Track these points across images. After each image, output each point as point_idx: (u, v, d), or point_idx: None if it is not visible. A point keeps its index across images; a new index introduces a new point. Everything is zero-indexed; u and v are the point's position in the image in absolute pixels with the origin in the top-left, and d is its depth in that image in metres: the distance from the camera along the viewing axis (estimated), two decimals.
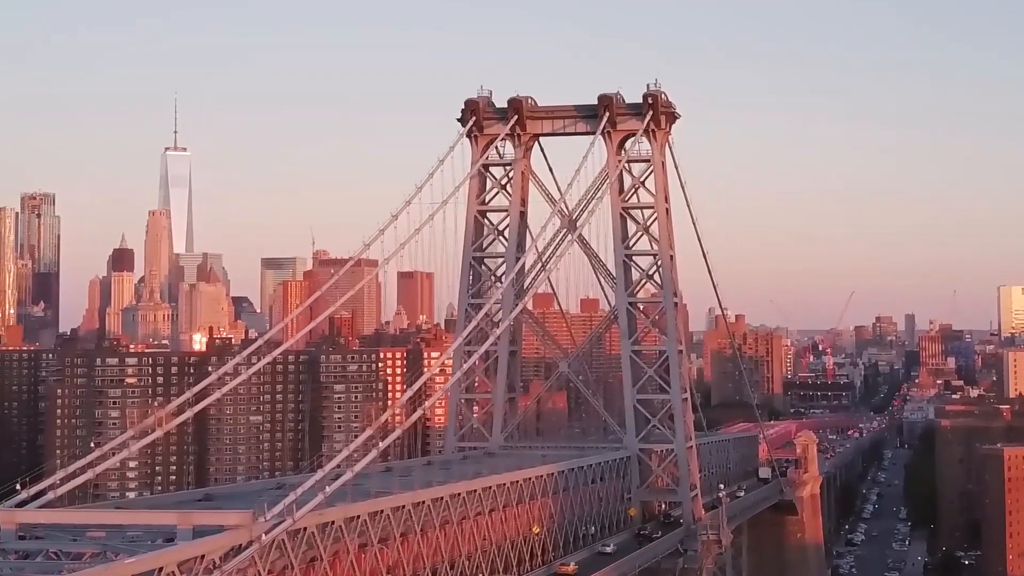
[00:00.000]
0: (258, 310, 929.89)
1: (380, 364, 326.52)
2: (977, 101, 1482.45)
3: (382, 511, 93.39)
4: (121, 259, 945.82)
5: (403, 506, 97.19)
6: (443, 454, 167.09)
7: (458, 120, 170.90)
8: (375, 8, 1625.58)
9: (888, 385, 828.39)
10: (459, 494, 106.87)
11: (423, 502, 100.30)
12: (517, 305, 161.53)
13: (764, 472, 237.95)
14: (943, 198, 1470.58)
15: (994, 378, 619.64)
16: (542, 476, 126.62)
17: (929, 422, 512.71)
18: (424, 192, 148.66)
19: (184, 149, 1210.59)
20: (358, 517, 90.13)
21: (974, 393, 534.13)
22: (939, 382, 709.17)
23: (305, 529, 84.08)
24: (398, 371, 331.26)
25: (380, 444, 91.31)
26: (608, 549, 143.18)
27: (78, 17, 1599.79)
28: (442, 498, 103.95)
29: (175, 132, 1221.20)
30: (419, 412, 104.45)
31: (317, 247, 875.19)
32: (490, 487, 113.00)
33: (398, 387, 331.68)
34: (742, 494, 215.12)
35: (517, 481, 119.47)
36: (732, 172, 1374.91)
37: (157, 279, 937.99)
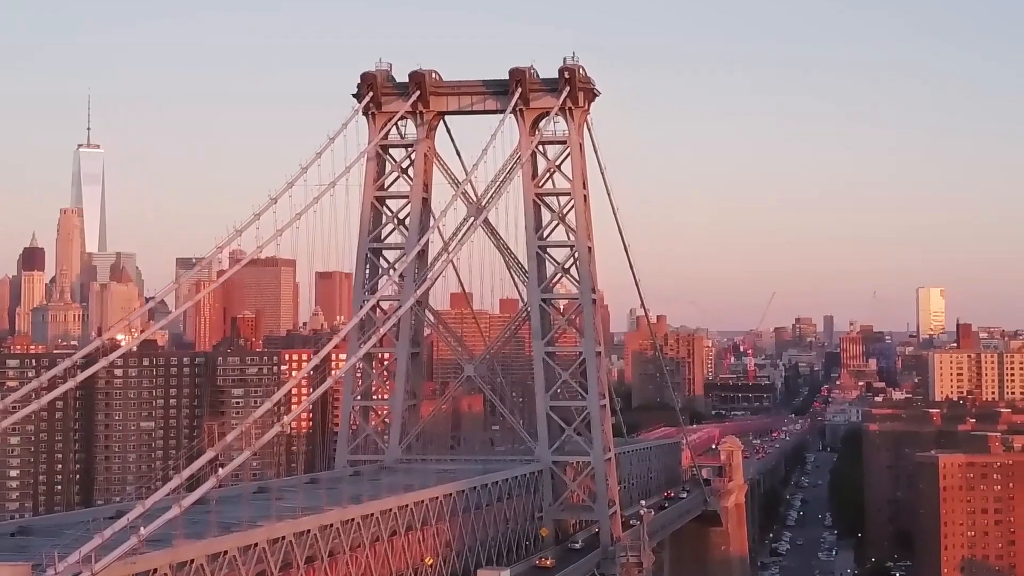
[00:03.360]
0: (172, 310, 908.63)
1: (283, 367, 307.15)
2: (905, 105, 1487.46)
3: (225, 552, 75.72)
4: (32, 258, 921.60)
5: (255, 544, 79.61)
6: (334, 469, 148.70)
7: (353, 95, 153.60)
8: None
9: (808, 387, 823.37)
10: (331, 525, 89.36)
11: (283, 537, 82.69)
12: (415, 301, 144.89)
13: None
14: (863, 200, 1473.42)
15: (916, 380, 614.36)
16: (436, 498, 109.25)
17: (853, 425, 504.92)
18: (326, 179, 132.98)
19: (97, 146, 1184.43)
20: (192, 562, 72.41)
21: (897, 395, 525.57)
22: (861, 384, 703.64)
23: None
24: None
25: (220, 471, 73.51)
26: (576, 545, 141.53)
27: None
28: (308, 531, 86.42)
29: (88, 129, 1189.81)
30: (274, 430, 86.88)
31: (233, 246, 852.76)
32: (371, 514, 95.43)
33: (303, 391, 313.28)
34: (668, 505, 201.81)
35: (406, 505, 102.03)
36: (652, 161, 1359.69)
37: (68, 278, 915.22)
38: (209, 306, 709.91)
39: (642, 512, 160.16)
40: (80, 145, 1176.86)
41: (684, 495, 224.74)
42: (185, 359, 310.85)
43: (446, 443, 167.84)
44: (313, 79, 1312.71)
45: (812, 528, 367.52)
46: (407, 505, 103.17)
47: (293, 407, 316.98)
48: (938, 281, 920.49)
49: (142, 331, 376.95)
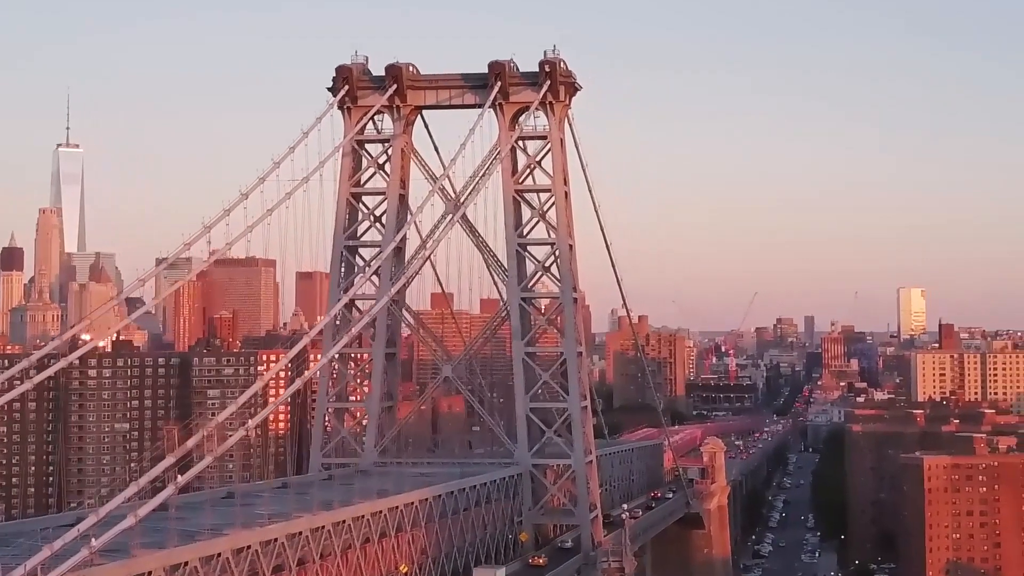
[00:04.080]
0: (152, 311, 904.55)
1: (261, 368, 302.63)
2: (894, 106, 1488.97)
3: (186, 563, 71.73)
4: (10, 258, 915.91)
5: (218, 554, 75.62)
6: (309, 472, 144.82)
7: (328, 90, 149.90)
8: None
9: (790, 387, 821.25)
10: (300, 533, 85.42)
11: (248, 547, 78.75)
12: (394, 300, 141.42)
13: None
14: (844, 201, 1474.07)
15: (898, 380, 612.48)
16: (412, 503, 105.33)
17: (835, 425, 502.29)
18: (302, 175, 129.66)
19: (77, 146, 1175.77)
20: (149, 574, 68.32)
21: (879, 396, 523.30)
22: (842, 384, 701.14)
23: None
24: (281, 375, 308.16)
25: (180, 478, 69.49)
26: (567, 544, 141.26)
27: None
28: (275, 539, 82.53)
29: (67, 128, 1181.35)
30: (239, 435, 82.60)
31: (214, 246, 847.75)
32: (343, 521, 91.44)
33: (282, 392, 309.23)
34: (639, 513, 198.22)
35: (380, 511, 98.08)
36: (633, 160, 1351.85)
37: (47, 279, 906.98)
38: (189, 306, 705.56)
39: (624, 517, 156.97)
40: (59, 145, 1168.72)
41: (671, 495, 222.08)
42: (160, 359, 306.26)
43: (425, 445, 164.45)
44: (294, 75, 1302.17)
45: (795, 530, 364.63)
46: (380, 511, 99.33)
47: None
48: (919, 282, 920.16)
49: (110, 328, 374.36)
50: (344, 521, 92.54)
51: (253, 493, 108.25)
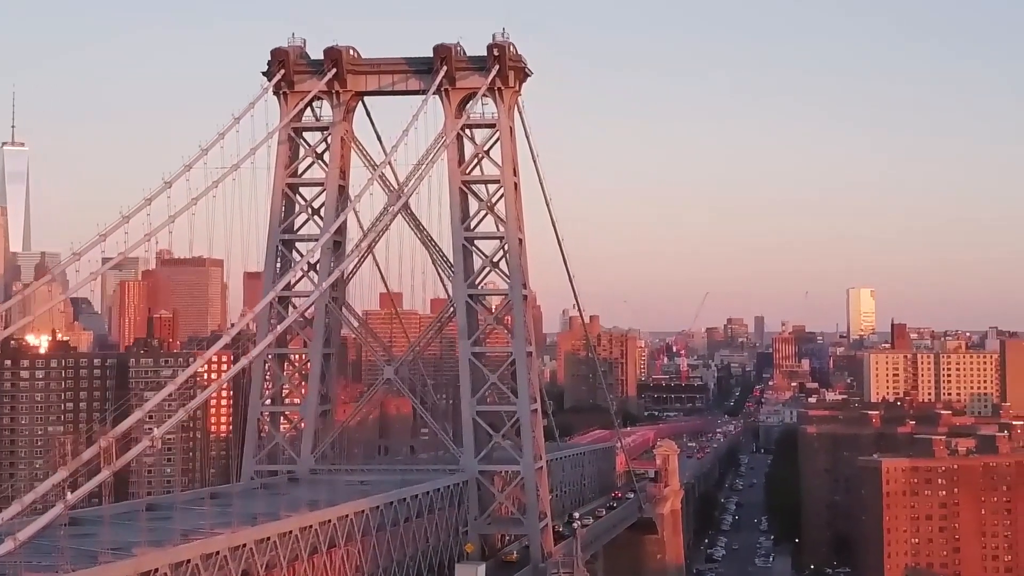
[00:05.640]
0: (98, 311, 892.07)
1: (201, 369, 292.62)
2: (840, 106, 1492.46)
3: None
4: None
5: None
6: (241, 480, 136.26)
7: (264, 74, 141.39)
8: None
9: (741, 387, 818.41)
10: (217, 553, 76.92)
11: (156, 570, 70.21)
12: (333, 298, 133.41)
13: None
14: (795, 202, 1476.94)
15: (849, 380, 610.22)
16: (346, 516, 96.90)
17: (788, 426, 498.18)
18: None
19: (22, 144, 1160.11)
20: None
21: (831, 396, 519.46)
22: (794, 384, 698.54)
23: None
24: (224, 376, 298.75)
25: (70, 496, 60.94)
26: (512, 556, 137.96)
27: None
28: (188, 561, 74.03)
29: (12, 127, 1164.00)
30: (142, 445, 74.12)
31: (160, 246, 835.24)
32: (267, 538, 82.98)
33: (224, 394, 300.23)
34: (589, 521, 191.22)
35: (310, 525, 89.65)
36: (584, 157, 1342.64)
37: None
38: (134, 307, 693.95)
39: (575, 524, 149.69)
40: (4, 143, 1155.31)
41: (632, 495, 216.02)
42: (96, 360, 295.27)
43: (368, 451, 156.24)
44: (234, 63, 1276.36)
45: (748, 533, 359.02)
46: (310, 525, 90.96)
47: (212, 415, 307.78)
48: (868, 282, 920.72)
49: (53, 332, 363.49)
50: (269, 538, 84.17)
51: (178, 505, 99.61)
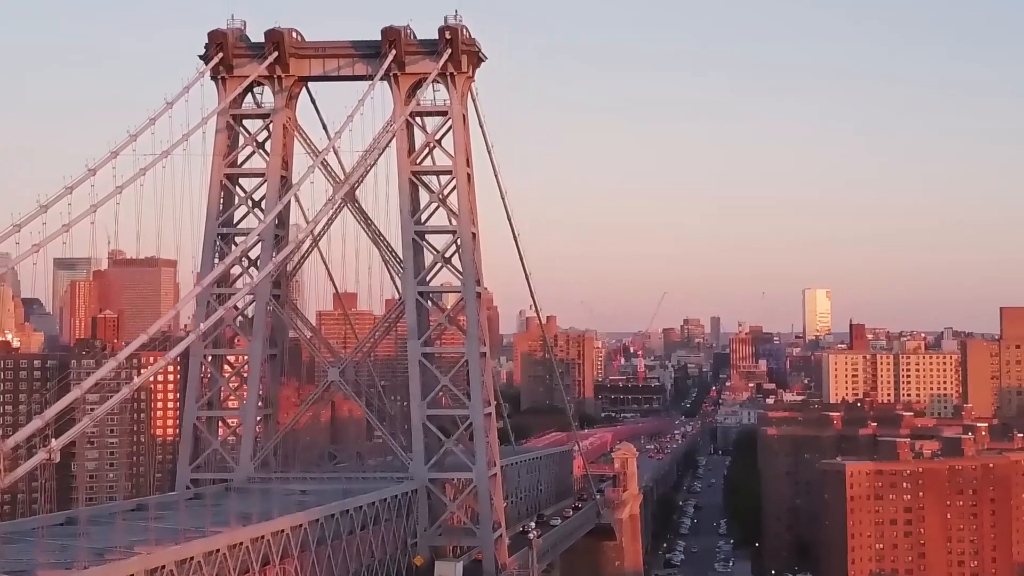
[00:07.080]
0: (50, 311, 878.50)
1: (144, 370, 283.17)
2: (803, 106, 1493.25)
3: None
4: None
5: None
6: (176, 489, 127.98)
7: (201, 57, 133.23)
8: None
9: (698, 388, 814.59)
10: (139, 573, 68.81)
11: None
12: (274, 296, 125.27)
13: None
14: (750, 202, 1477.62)
15: (806, 381, 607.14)
16: (282, 531, 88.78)
17: (746, 427, 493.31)
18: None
19: None
20: None
21: (788, 397, 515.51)
22: (751, 385, 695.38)
23: None
24: (171, 378, 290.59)
25: None
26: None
27: None
28: None
29: None
30: (38, 458, 66.42)
31: (113, 247, 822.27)
32: (191, 558, 74.84)
33: (170, 397, 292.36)
34: (557, 521, 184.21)
35: (240, 543, 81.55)
36: (537, 144, 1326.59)
37: None
38: (84, 307, 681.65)
39: (531, 534, 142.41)
40: None
41: (598, 496, 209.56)
42: (37, 362, 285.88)
43: (313, 457, 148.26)
44: (169, 48, 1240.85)
45: (707, 537, 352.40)
46: (241, 542, 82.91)
47: (157, 419, 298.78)
48: (824, 283, 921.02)
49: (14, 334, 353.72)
50: (192, 558, 76.10)
51: (98, 518, 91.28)
